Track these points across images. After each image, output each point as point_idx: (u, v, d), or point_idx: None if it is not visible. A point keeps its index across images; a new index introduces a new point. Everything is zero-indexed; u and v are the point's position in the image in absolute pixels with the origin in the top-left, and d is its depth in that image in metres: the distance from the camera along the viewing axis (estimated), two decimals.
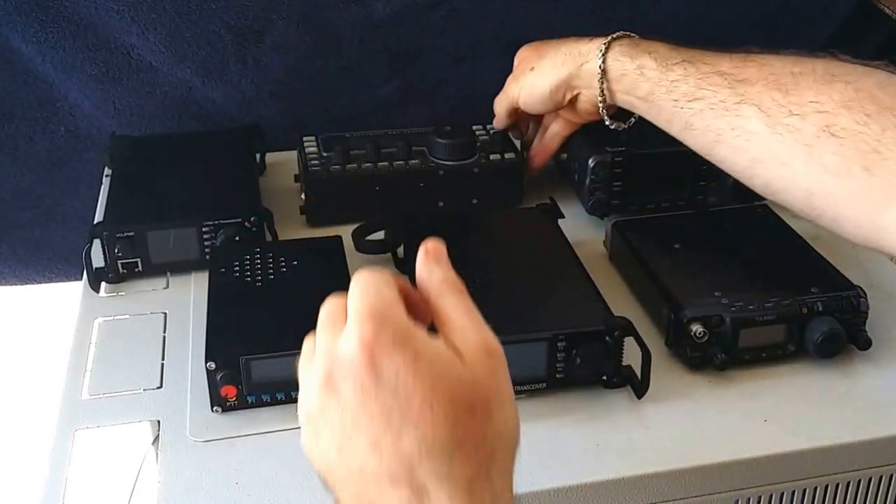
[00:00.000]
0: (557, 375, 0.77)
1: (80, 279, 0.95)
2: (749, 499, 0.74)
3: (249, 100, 1.23)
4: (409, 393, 0.42)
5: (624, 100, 0.87)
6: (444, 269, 0.48)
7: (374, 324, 0.43)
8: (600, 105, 0.89)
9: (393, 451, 0.42)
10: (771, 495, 0.75)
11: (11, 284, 1.36)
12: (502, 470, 0.44)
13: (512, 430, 0.46)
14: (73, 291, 0.96)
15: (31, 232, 1.30)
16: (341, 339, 0.44)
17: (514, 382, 0.72)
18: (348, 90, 1.27)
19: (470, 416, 0.43)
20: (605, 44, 0.87)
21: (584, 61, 0.89)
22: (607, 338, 0.75)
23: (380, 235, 0.96)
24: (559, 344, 0.75)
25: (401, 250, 0.94)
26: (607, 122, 0.93)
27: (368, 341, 0.43)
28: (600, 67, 0.86)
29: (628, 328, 0.76)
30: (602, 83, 0.87)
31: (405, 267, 0.91)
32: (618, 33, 0.88)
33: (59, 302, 1.23)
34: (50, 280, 1.36)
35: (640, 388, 0.77)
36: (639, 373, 0.77)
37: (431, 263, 0.48)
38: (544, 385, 0.77)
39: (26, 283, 1.36)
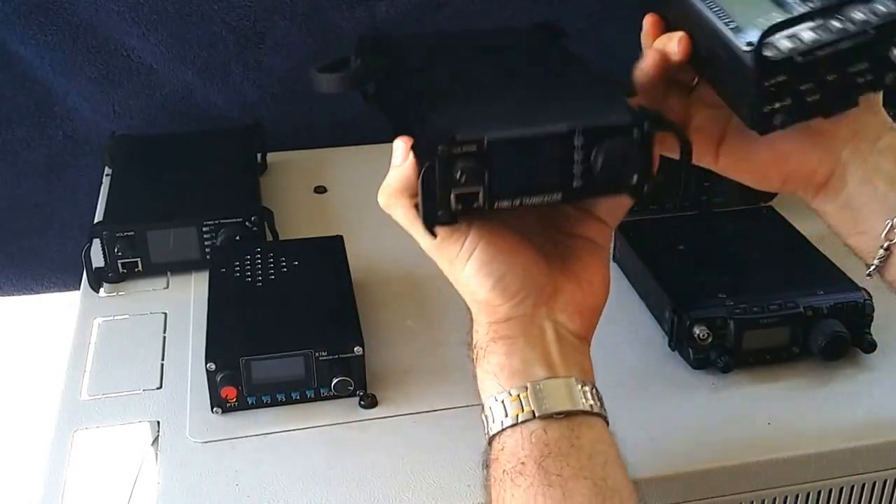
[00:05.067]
0: (574, 183, 0.57)
1: (79, 289, 0.94)
2: (752, 502, 0.74)
3: (251, 102, 1.23)
4: None
5: None
6: None
7: None
8: None
9: None
10: (774, 499, 0.74)
11: (10, 294, 1.35)
12: None
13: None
14: (71, 301, 0.95)
15: (30, 241, 1.29)
16: None
17: (521, 192, 0.57)
18: (351, 92, 1.26)
19: None
20: None
21: None
22: (634, 131, 0.57)
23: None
24: (576, 141, 0.56)
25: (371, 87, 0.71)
26: None
27: None
28: None
29: (660, 120, 0.58)
30: None
31: (378, 105, 0.70)
32: None
33: (58, 311, 1.22)
34: (48, 290, 1.35)
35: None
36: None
37: None
38: (559, 195, 0.57)
39: (24, 294, 1.35)
